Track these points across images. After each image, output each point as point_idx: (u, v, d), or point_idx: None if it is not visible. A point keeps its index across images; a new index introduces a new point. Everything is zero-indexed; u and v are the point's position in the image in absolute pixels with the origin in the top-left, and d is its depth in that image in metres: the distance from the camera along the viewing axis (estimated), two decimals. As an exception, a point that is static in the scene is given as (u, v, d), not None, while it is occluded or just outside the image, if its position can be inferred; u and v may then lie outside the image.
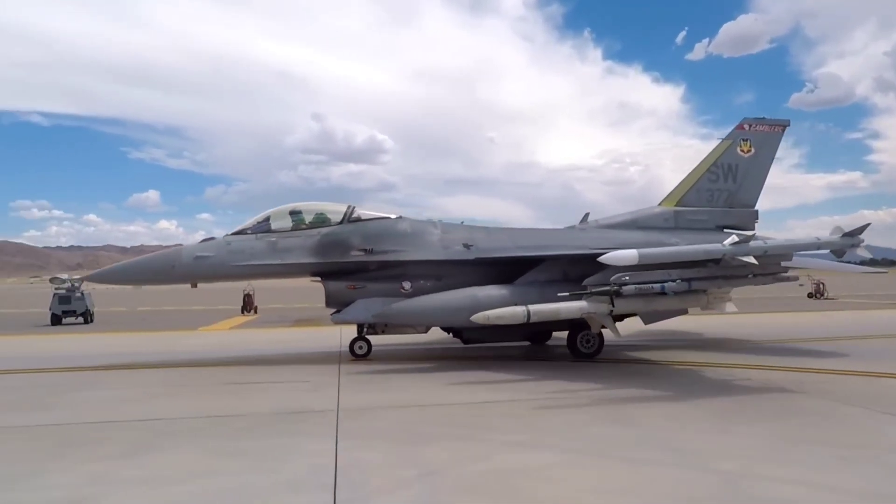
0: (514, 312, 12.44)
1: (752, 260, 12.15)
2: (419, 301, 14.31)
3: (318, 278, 15.77)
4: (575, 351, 15.20)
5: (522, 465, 7.12)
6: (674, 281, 12.33)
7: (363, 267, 15.36)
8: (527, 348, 17.31)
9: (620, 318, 15.10)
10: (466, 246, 15.61)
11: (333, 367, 14.52)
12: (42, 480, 6.87)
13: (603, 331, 14.64)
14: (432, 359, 15.64)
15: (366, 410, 10.12)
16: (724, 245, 12.28)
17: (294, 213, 15.81)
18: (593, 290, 12.49)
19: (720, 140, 19.28)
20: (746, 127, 19.28)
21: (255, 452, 7.77)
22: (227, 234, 15.41)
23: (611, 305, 12.49)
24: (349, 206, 15.97)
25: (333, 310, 15.48)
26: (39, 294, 31.04)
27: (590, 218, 18.84)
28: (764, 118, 19.53)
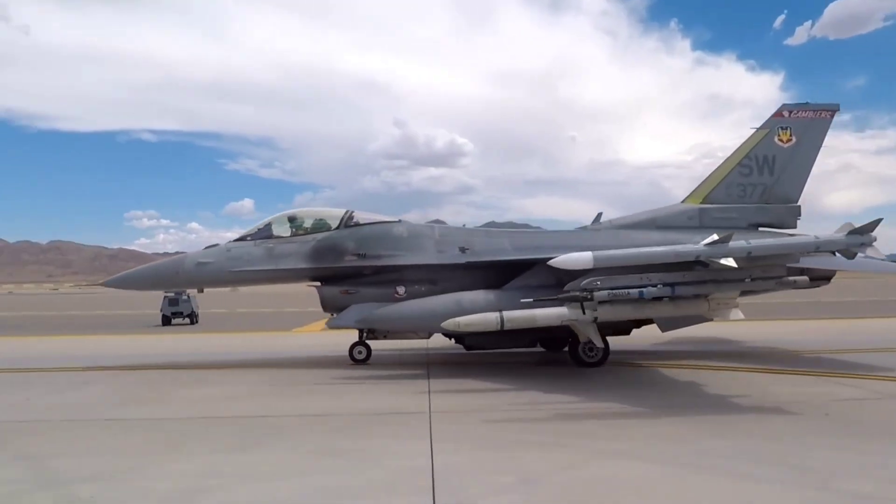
0: (485, 319, 11.83)
1: (731, 263, 11.05)
2: (401, 306, 14.08)
3: (319, 283, 15.67)
4: (577, 359, 14.27)
5: (623, 476, 6.84)
6: (654, 286, 11.40)
7: (358, 272, 15.24)
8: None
9: (638, 325, 14.36)
10: (462, 249, 15.15)
11: (422, 369, 14.68)
12: (162, 470, 7.35)
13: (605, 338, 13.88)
14: (515, 363, 15.45)
15: (457, 413, 10.12)
16: (697, 246, 11.33)
17: (293, 220, 15.92)
18: (562, 296, 11.72)
19: (754, 130, 17.30)
20: (786, 114, 17.29)
21: (352, 452, 7.94)
22: (229, 241, 15.71)
23: (594, 312, 11.64)
24: (346, 212, 15.92)
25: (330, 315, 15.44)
26: (149, 297, 33.61)
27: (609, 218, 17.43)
28: (808, 103, 17.57)
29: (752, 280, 11.77)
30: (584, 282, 11.54)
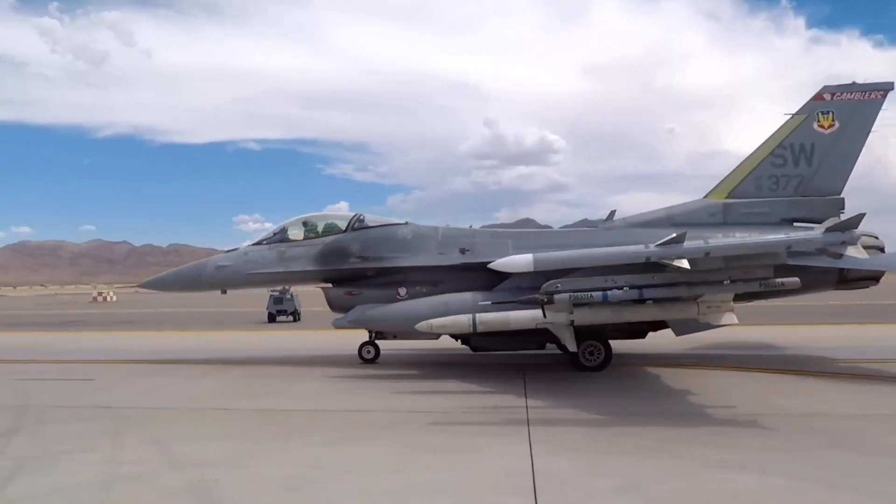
0: (457, 322, 11.88)
1: (683, 264, 10.42)
2: (391, 307, 14.20)
3: (330, 285, 15.93)
4: (576, 363, 13.79)
5: (735, 488, 6.46)
6: (619, 288, 10.97)
7: (362, 274, 15.49)
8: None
9: (654, 327, 13.76)
10: (463, 251, 14.89)
11: (518, 368, 14.60)
12: (273, 459, 7.83)
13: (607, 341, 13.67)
14: (618, 363, 15.01)
15: (555, 414, 10.02)
16: (648, 247, 10.69)
17: (306, 224, 16.36)
18: (522, 299, 11.59)
19: (789, 116, 15.72)
20: (827, 97, 15.49)
21: (449, 448, 8.07)
22: (248, 245, 16.35)
23: (570, 315, 11.46)
24: (355, 215, 16.19)
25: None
26: (252, 295, 35.71)
27: (623, 215, 16.56)
28: (854, 83, 15.58)
29: (732, 282, 11.08)
30: (545, 284, 11.43)
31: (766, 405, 10.36)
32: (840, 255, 10.88)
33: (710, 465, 7.21)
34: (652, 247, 10.72)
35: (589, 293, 11.20)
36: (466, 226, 16.79)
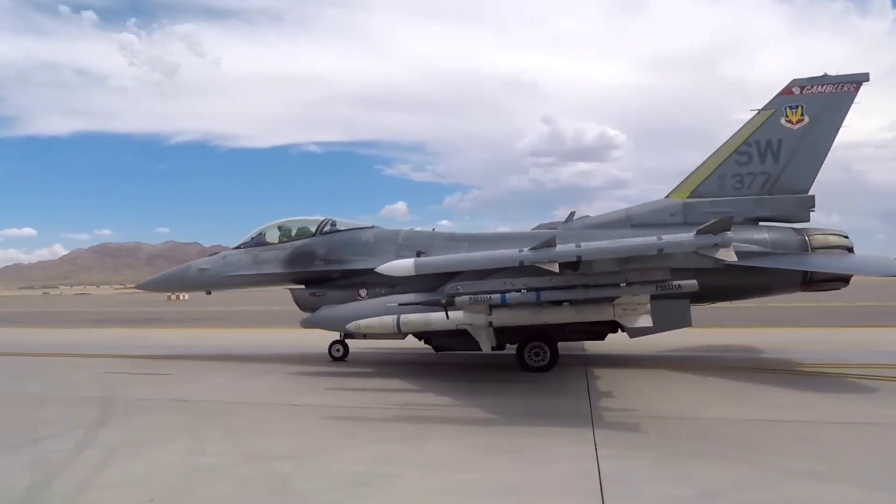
0: (382, 323, 12.56)
1: (553, 268, 10.61)
2: (337, 308, 14.58)
3: (302, 286, 16.51)
4: (522, 363, 14.11)
5: (823, 500, 6.15)
6: (518, 291, 11.21)
7: (327, 276, 16.17)
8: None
9: (611, 328, 13.62)
10: (418, 254, 14.95)
11: (580, 369, 14.40)
12: (342, 455, 8.02)
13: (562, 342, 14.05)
14: (671, 365, 14.56)
15: (621, 416, 9.77)
16: (521, 251, 10.91)
17: (281, 228, 17.09)
18: (424, 301, 12.19)
19: (755, 112, 14.94)
20: (796, 90, 14.75)
21: (514, 450, 8.02)
22: (230, 249, 17.11)
23: (487, 316, 11.83)
24: (324, 220, 16.87)
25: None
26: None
27: (587, 215, 16.59)
28: (825, 76, 14.65)
29: (629, 284, 11.03)
30: (447, 287, 11.81)
31: (842, 412, 9.80)
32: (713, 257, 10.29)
33: (794, 476, 6.87)
34: (525, 251, 10.99)
35: (488, 295, 11.48)
36: (521, 226, 17.16)
